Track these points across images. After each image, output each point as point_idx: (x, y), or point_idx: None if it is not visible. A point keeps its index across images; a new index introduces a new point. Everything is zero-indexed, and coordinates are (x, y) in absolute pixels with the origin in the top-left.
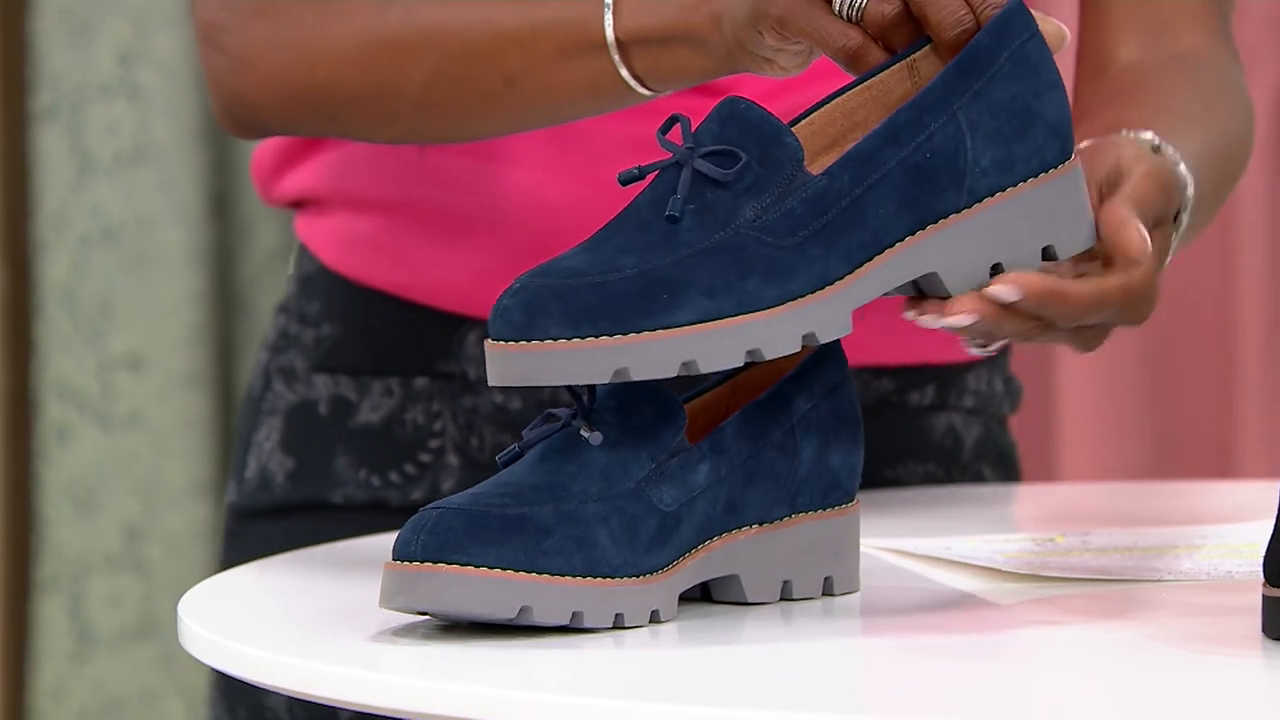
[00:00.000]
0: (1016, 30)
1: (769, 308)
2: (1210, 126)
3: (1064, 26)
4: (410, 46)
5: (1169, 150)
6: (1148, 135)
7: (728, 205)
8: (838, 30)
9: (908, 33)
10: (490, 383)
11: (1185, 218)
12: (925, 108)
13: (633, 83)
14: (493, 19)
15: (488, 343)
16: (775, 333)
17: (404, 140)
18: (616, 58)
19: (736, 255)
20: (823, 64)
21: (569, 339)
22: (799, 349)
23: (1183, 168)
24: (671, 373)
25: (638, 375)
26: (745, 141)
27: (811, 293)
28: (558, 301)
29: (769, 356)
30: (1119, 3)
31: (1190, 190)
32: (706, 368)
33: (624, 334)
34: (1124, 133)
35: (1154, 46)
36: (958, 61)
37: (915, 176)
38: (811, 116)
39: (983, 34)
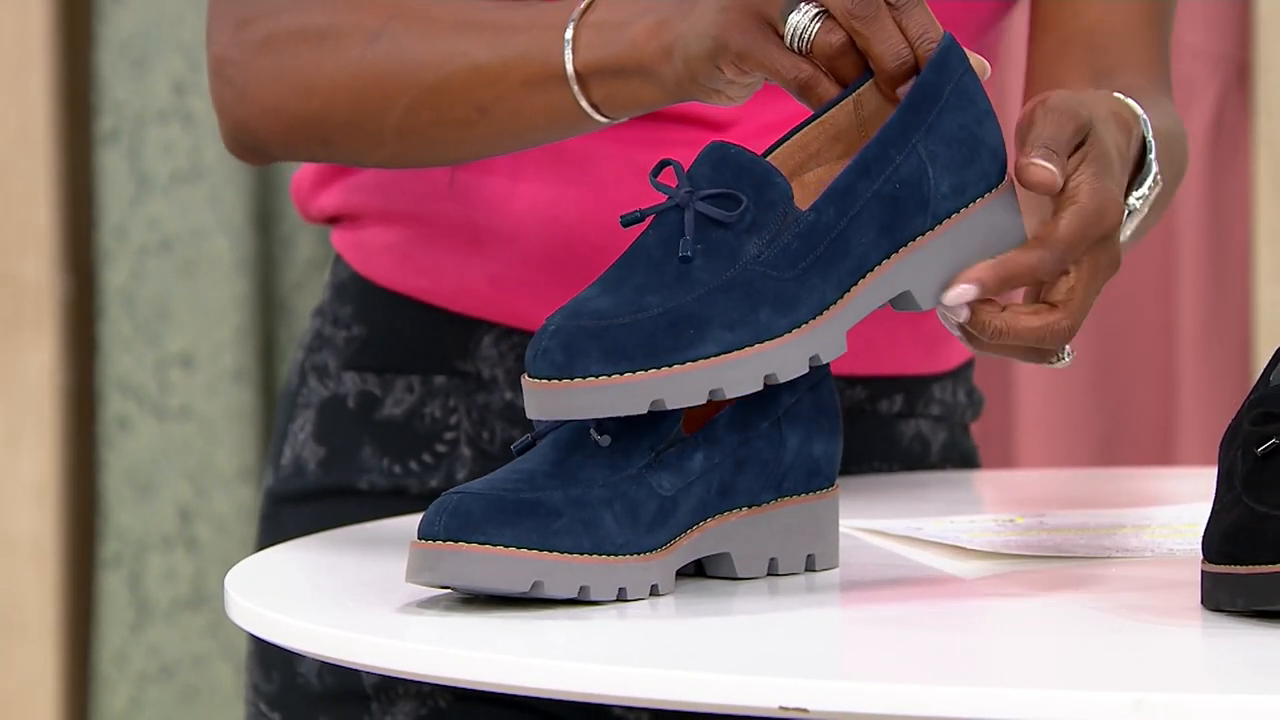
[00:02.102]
0: (954, 65)
1: (780, 335)
2: (1158, 118)
3: (984, 60)
4: (393, 78)
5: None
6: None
7: (732, 244)
8: (790, 63)
9: (852, 62)
10: (530, 416)
11: (1152, 145)
12: (888, 143)
13: (590, 111)
14: (468, 53)
15: (528, 380)
16: (787, 357)
17: (390, 164)
18: (575, 88)
19: (748, 290)
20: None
21: (609, 375)
22: (807, 370)
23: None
24: (701, 400)
25: (672, 405)
26: (741, 184)
27: (814, 318)
28: (594, 341)
29: (783, 379)
30: (1070, 49)
31: (1146, 123)
32: (731, 394)
33: (658, 368)
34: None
35: (1102, 85)
36: (909, 98)
37: (888, 206)
38: (775, 152)
39: (926, 71)
